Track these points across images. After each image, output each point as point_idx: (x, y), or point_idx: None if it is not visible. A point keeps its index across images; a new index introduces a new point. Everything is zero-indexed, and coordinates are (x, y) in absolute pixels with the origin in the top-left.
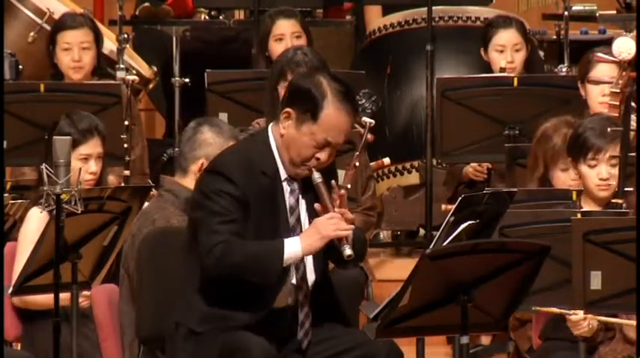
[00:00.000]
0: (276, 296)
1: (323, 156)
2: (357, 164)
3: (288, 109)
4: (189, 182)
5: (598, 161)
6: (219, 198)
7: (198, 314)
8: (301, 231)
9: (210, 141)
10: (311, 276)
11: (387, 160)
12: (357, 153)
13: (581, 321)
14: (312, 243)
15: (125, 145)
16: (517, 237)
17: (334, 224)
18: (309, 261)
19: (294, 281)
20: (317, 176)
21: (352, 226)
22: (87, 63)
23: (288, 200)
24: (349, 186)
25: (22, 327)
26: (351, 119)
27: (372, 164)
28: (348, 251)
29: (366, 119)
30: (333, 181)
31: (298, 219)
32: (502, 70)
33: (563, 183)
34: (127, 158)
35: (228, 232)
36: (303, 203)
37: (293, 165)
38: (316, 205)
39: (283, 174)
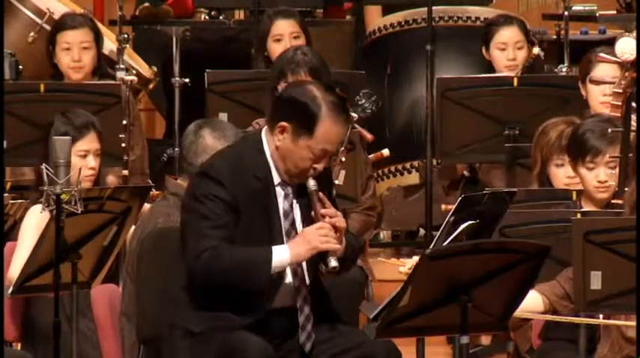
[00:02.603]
0: (272, 300)
1: (320, 166)
2: (344, 159)
3: (283, 124)
4: None
5: (596, 164)
6: (209, 202)
7: (194, 314)
8: (296, 235)
9: (212, 146)
10: (306, 278)
11: (385, 151)
12: (342, 148)
13: None
14: (300, 252)
15: (123, 145)
16: (517, 237)
17: (323, 235)
18: (304, 264)
19: (291, 282)
20: (312, 183)
21: (341, 245)
22: (87, 63)
23: (282, 204)
24: (337, 181)
25: (22, 327)
26: (346, 127)
27: (371, 156)
28: (333, 263)
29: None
30: (321, 194)
31: (293, 224)
32: (507, 67)
33: (559, 180)
34: (125, 157)
35: (218, 237)
36: (297, 207)
37: (290, 174)
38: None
39: (276, 179)
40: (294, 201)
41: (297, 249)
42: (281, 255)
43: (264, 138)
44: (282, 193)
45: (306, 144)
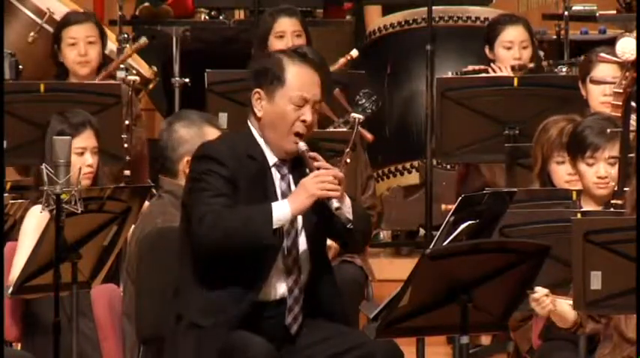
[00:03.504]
0: (268, 274)
1: (307, 115)
2: (349, 161)
3: (256, 90)
4: (182, 182)
5: (596, 159)
6: (209, 177)
7: (197, 306)
8: None
9: (185, 136)
10: (307, 265)
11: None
12: (348, 149)
13: (543, 298)
14: (300, 202)
15: (125, 145)
16: (517, 237)
17: (320, 181)
18: (303, 245)
19: (284, 263)
20: (302, 144)
21: (341, 188)
22: (93, 58)
23: (279, 186)
24: None
25: (22, 327)
26: (315, 69)
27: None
28: (335, 204)
29: (354, 115)
30: (313, 153)
31: None
32: (513, 67)
33: (560, 178)
34: (128, 157)
35: (219, 204)
36: (294, 187)
37: (282, 140)
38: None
39: (271, 161)
40: (291, 180)
41: (296, 199)
42: (282, 208)
43: (251, 126)
44: (279, 175)
45: (281, 95)
